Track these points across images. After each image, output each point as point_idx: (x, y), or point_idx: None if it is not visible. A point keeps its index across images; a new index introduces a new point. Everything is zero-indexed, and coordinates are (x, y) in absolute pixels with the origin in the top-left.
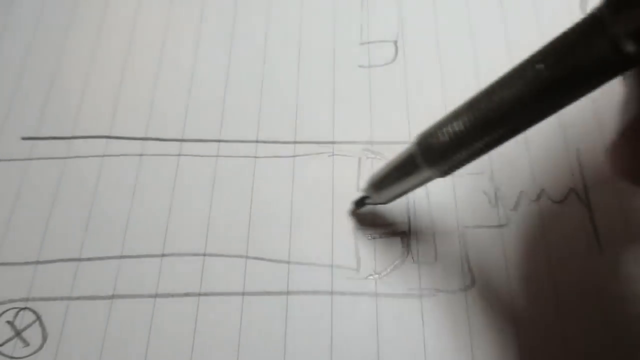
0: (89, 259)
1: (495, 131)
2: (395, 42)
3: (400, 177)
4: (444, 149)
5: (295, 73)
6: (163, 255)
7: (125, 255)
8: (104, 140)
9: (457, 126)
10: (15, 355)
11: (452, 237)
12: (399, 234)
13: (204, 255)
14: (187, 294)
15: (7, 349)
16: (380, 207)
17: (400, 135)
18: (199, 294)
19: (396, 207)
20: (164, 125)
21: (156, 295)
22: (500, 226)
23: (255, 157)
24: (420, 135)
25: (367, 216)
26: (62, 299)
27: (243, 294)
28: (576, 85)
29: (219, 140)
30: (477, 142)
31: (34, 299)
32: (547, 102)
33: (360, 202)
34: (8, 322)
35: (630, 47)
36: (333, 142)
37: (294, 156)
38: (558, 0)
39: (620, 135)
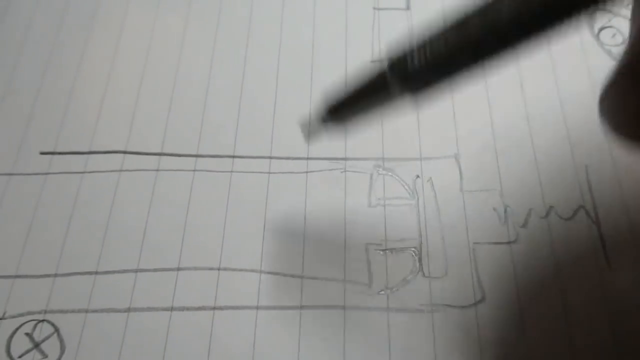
0: (106, 272)
1: (484, 53)
2: None
3: (366, 98)
4: (420, 73)
5: (308, 91)
6: (179, 269)
7: (141, 268)
8: (120, 155)
9: (438, 48)
10: None
11: (463, 253)
12: (410, 249)
13: (219, 269)
14: (202, 308)
15: None
16: (392, 221)
17: (411, 151)
18: (214, 308)
19: (407, 223)
20: (179, 141)
21: (172, 309)
22: (509, 242)
23: (269, 172)
24: (393, 57)
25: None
26: (79, 311)
27: (257, 307)
28: None
29: (233, 156)
30: (459, 66)
31: (52, 312)
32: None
33: (316, 122)
34: (27, 334)
35: None
36: (345, 159)
37: (306, 172)
38: None
39: (610, 82)
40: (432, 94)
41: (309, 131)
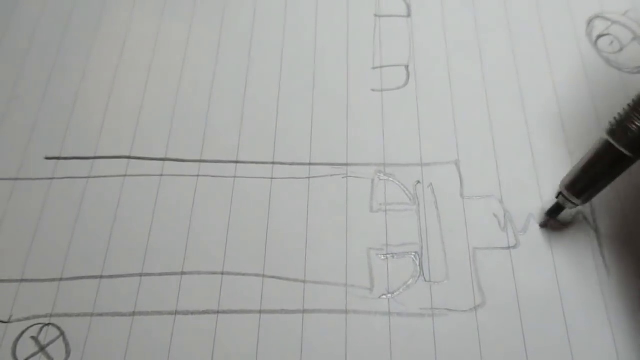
0: (110, 277)
1: None
2: (407, 67)
3: (603, 173)
4: None
5: (310, 97)
6: (183, 273)
7: (146, 273)
8: (125, 160)
9: None
10: None
11: (463, 258)
12: (411, 254)
13: (222, 273)
14: (205, 312)
15: None
16: (393, 227)
17: (412, 157)
18: (218, 312)
19: (408, 228)
20: (183, 146)
21: (176, 313)
22: (509, 248)
23: (272, 178)
24: (612, 129)
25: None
26: (85, 315)
27: (260, 312)
28: None
29: (237, 162)
30: None
31: (57, 315)
32: None
33: (555, 210)
34: (33, 337)
35: None
36: (347, 164)
37: (309, 177)
38: (565, 26)
39: None
40: None
41: (549, 216)
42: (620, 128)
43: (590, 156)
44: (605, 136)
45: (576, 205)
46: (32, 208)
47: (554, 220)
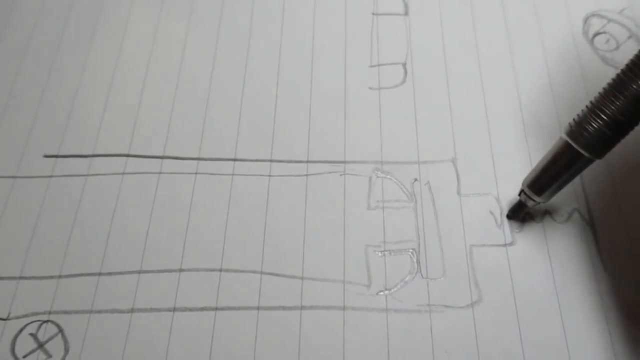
0: (109, 274)
1: None
2: (404, 65)
3: (562, 172)
4: (605, 138)
5: (308, 94)
6: (181, 270)
7: (144, 270)
8: (123, 158)
9: (612, 114)
10: None
11: (460, 255)
12: (408, 251)
13: (220, 270)
14: (203, 309)
15: None
16: (390, 224)
17: (410, 155)
18: (216, 309)
19: (406, 225)
20: (181, 144)
21: (174, 309)
22: (506, 245)
23: (270, 175)
24: (571, 129)
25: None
26: (83, 312)
27: (258, 308)
28: None
29: (235, 159)
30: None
31: (56, 312)
32: None
33: (518, 208)
34: (31, 334)
35: None
36: (344, 162)
37: (306, 175)
38: (562, 24)
39: None
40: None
41: (513, 214)
42: (578, 129)
43: (550, 156)
44: (564, 136)
45: (537, 203)
46: (30, 206)
47: (519, 216)
